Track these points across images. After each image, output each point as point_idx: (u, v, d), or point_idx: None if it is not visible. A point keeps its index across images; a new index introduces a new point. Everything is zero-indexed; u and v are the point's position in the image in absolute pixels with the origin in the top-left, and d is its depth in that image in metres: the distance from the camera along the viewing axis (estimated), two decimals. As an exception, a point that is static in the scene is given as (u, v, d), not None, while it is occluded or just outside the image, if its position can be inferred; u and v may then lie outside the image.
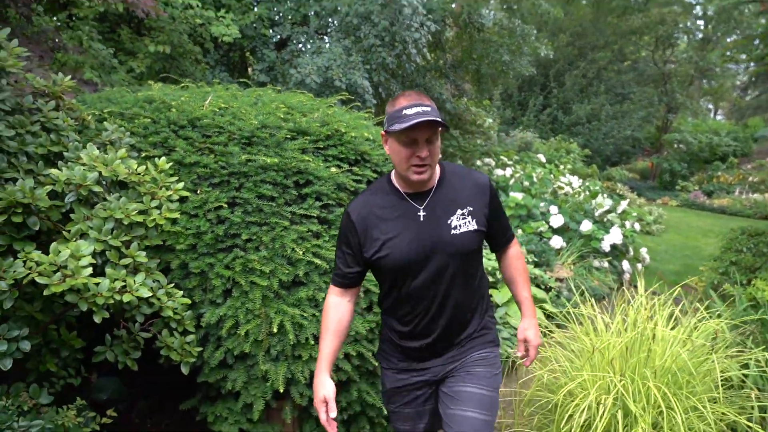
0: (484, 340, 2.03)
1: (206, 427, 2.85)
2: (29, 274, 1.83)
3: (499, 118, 16.12)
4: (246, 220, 2.75)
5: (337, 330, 1.95)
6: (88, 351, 2.44)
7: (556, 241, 6.73)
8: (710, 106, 41.37)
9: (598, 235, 7.29)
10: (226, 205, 2.73)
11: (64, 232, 2.01)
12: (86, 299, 1.88)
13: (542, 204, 7.74)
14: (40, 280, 1.77)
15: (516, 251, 2.11)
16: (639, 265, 7.96)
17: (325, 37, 6.86)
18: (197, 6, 5.05)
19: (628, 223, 8.36)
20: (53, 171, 2.07)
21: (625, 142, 19.86)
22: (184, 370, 2.42)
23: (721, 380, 2.65)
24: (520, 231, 7.03)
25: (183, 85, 3.93)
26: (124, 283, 2.00)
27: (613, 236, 7.35)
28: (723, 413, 2.60)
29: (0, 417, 1.87)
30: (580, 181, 11.17)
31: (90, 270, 1.87)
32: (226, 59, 6.75)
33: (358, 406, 2.87)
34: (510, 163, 11.06)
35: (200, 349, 2.55)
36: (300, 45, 6.90)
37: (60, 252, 1.85)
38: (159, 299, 2.14)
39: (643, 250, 8.29)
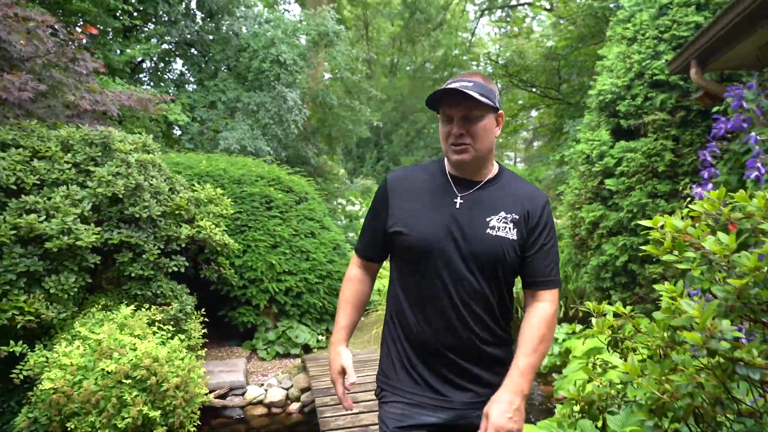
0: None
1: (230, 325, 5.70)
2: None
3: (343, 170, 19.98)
4: (248, 217, 5.78)
5: (357, 303, 1.77)
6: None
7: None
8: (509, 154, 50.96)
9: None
10: (240, 212, 5.74)
11: (197, 220, 4.88)
12: (207, 240, 4.79)
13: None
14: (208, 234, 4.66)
15: (547, 311, 1.56)
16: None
17: (230, 118, 9.85)
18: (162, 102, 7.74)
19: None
20: (182, 195, 4.95)
21: (442, 185, 25.06)
22: (234, 282, 5.34)
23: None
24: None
25: (176, 152, 6.76)
26: (220, 238, 4.93)
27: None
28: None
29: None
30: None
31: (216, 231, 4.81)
32: (161, 133, 9.37)
33: (305, 306, 5.95)
34: (356, 201, 14.77)
35: (236, 276, 5.47)
36: (209, 123, 9.80)
37: (203, 224, 4.77)
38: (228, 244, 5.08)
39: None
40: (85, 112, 5.04)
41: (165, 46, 9.84)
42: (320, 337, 5.95)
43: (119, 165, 4.41)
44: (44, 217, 3.94)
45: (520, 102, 11.68)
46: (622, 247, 5.24)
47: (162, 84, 9.83)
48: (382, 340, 1.75)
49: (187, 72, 10.21)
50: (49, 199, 4.08)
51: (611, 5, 8.74)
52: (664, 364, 1.28)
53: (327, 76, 13.79)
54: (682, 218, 1.55)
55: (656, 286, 1.46)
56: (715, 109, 4.14)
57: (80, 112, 5.00)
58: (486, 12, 27.82)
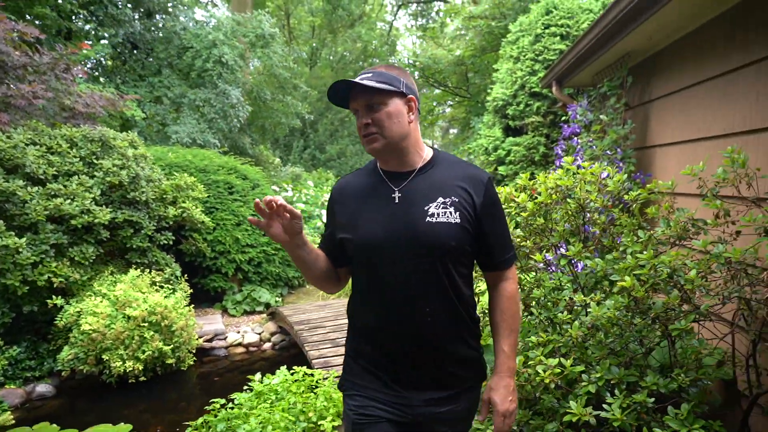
0: (464, 388, 1.64)
1: (204, 289, 6.88)
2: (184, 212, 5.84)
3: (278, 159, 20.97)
4: (216, 200, 6.95)
5: (318, 254, 1.67)
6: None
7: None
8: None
9: (351, 223, 12.56)
10: (209, 196, 6.90)
11: (180, 202, 5.99)
12: (189, 219, 5.94)
13: (316, 210, 12.72)
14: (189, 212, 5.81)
15: (510, 288, 1.65)
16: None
17: (176, 113, 10.71)
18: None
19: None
20: (166, 182, 6.04)
21: (366, 171, 26.63)
22: (207, 254, 6.52)
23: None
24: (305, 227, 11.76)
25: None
26: (199, 217, 6.08)
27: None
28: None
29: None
30: (338, 197, 16.67)
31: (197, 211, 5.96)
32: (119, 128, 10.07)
33: (264, 273, 7.24)
34: (288, 188, 15.97)
35: (209, 249, 6.65)
36: (157, 118, 10.62)
37: (177, 208, 5.91)
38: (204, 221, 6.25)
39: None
40: (78, 113, 5.99)
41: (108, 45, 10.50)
42: (278, 299, 7.26)
43: (120, 158, 5.47)
44: (68, 200, 4.97)
45: (437, 92, 13.33)
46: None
47: (102, 80, 10.51)
48: (346, 338, 1.77)
49: (129, 70, 10.92)
50: (65, 186, 5.10)
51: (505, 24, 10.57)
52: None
53: (251, 66, 14.70)
54: (510, 187, 3.11)
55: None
56: (563, 118, 5.89)
57: (75, 113, 5.94)
58: (402, 4, 29.55)
